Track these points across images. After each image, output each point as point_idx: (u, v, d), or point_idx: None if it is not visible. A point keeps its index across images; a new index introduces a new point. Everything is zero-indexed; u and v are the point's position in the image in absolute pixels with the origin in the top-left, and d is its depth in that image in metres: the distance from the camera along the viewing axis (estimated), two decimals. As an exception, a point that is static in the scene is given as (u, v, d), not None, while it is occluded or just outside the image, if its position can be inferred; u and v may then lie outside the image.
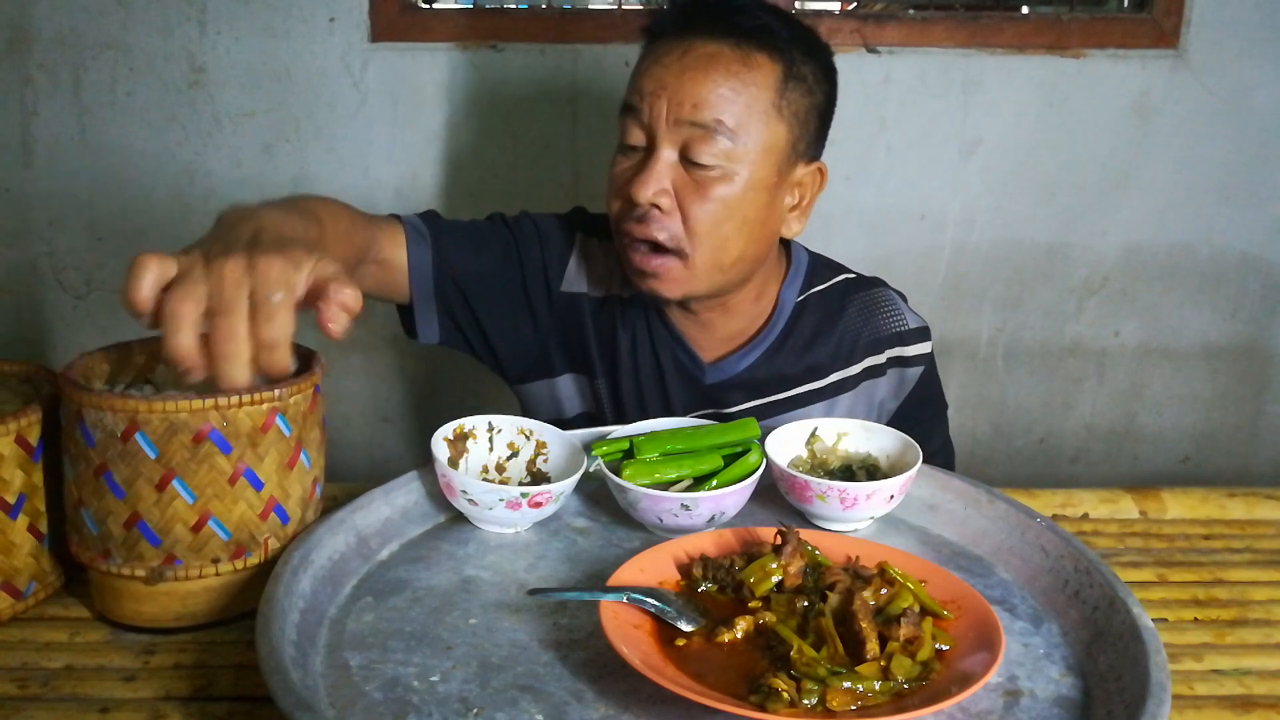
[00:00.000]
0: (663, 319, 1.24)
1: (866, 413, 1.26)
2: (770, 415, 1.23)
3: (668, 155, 1.09)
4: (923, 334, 1.27)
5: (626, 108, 1.12)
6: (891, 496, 0.92)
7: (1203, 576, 0.96)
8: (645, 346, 1.25)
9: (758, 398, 1.24)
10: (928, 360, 1.27)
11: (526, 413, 1.32)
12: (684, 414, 1.21)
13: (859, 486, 0.90)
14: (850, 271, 1.31)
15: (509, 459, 0.99)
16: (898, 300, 1.28)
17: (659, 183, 1.09)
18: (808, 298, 1.26)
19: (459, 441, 0.96)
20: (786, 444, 1.00)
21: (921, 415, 1.27)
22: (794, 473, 0.92)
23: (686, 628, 0.74)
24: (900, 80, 1.79)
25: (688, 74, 1.08)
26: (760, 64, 1.09)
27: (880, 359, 1.25)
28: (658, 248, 1.11)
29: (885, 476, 0.97)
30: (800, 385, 1.24)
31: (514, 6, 1.83)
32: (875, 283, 1.30)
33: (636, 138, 1.11)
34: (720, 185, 1.09)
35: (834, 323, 1.25)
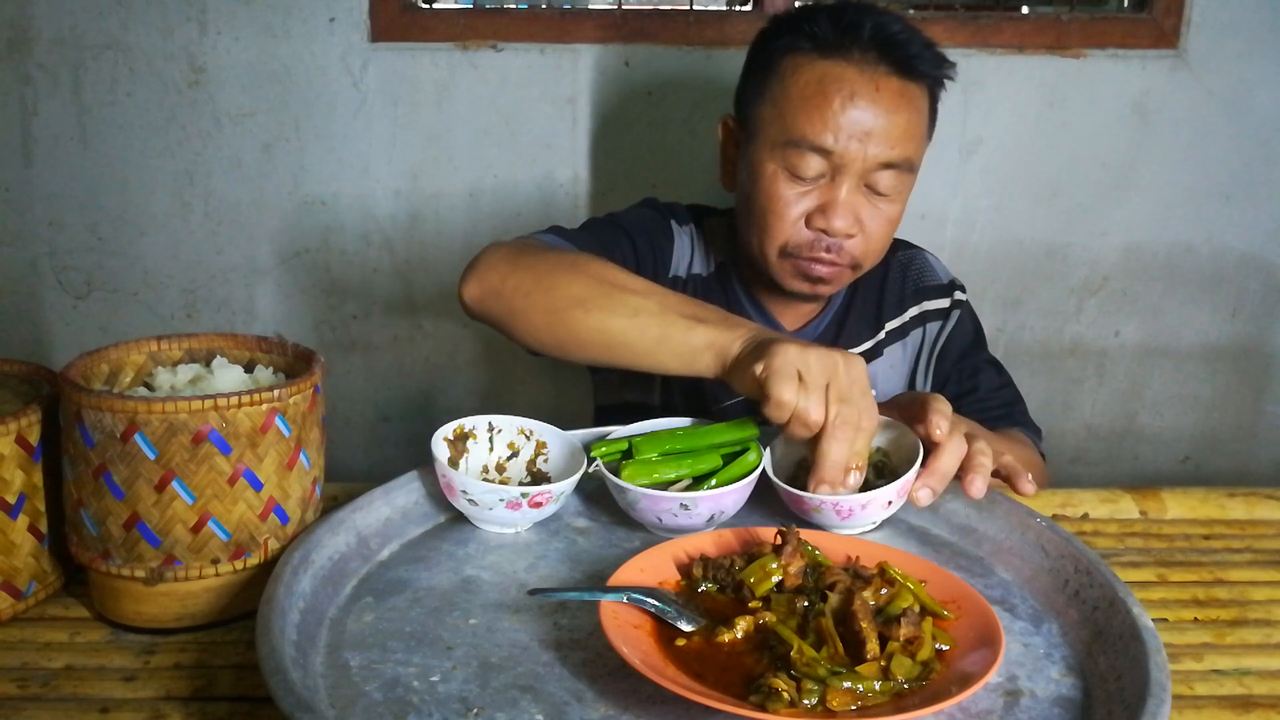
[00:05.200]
0: (747, 296, 1.32)
1: (917, 356, 1.36)
2: None
3: (854, 185, 1.15)
4: (951, 287, 1.37)
5: (810, 146, 1.13)
6: (890, 503, 0.91)
7: (1203, 576, 0.96)
8: None
9: None
10: (961, 306, 1.37)
11: (599, 395, 1.41)
12: None
13: (854, 498, 0.89)
14: None
15: (509, 459, 0.99)
16: (928, 257, 1.40)
17: (853, 213, 1.16)
18: None
19: (459, 441, 0.96)
20: (788, 444, 1.00)
21: (963, 366, 1.35)
22: (788, 487, 0.91)
23: (686, 628, 0.74)
24: (900, 80, 1.79)
25: (885, 116, 1.13)
26: (922, 94, 1.18)
27: (922, 308, 1.36)
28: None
29: (894, 469, 0.96)
30: (865, 341, 1.34)
31: (514, 6, 1.83)
32: (908, 244, 1.41)
33: (817, 169, 1.15)
34: (894, 206, 1.19)
35: (883, 281, 1.36)
